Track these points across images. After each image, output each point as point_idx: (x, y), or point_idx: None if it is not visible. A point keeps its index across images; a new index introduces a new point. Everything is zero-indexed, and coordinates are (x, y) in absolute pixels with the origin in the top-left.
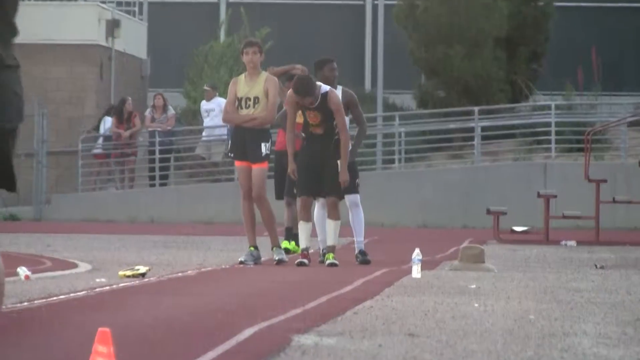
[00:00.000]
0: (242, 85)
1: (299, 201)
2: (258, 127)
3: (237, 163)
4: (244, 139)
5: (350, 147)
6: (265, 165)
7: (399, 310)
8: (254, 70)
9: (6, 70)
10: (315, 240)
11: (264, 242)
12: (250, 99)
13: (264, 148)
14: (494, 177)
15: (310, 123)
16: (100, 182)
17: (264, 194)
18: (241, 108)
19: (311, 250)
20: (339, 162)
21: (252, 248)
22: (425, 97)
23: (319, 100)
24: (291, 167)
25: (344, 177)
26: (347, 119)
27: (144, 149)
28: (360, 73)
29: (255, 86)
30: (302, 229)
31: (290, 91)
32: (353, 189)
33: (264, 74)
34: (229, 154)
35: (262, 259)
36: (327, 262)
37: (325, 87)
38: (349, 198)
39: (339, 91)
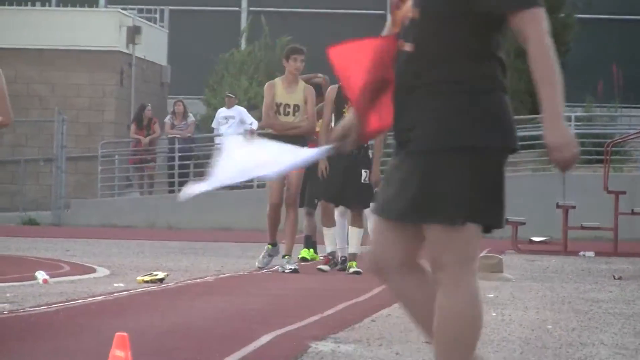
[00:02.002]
0: (280, 91)
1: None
2: (300, 134)
3: None
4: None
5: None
6: (302, 171)
7: None
8: (294, 77)
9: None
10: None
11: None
12: (290, 106)
13: None
14: (513, 187)
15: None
16: (119, 188)
17: (297, 199)
18: (279, 114)
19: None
20: (363, 171)
21: (270, 246)
22: None
23: None
24: (323, 163)
25: (376, 177)
26: None
27: (163, 156)
28: None
29: (295, 94)
30: (327, 234)
31: (330, 88)
32: (374, 198)
33: (302, 83)
34: None
35: (273, 262)
36: (351, 270)
37: None
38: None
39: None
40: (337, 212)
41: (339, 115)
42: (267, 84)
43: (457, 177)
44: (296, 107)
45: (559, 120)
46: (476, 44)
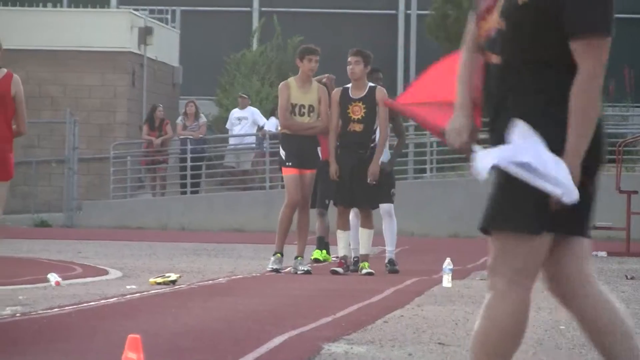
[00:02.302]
0: (295, 92)
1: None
2: (315, 134)
3: (290, 171)
4: (302, 146)
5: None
6: (315, 171)
7: (430, 320)
8: (308, 77)
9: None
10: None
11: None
12: (305, 107)
13: (319, 152)
14: None
15: (351, 118)
16: (131, 190)
17: (309, 200)
18: (294, 114)
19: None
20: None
21: (279, 255)
22: None
23: (366, 91)
24: (333, 167)
25: (374, 169)
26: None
27: (175, 157)
28: (392, 83)
29: (309, 94)
30: (340, 237)
31: (335, 91)
32: (388, 198)
33: (315, 82)
34: (287, 163)
35: (283, 265)
36: (364, 271)
37: (372, 83)
38: (383, 207)
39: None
40: (352, 213)
41: (344, 116)
42: (281, 84)
43: (526, 188)
44: (311, 108)
45: (576, 159)
46: (562, 56)
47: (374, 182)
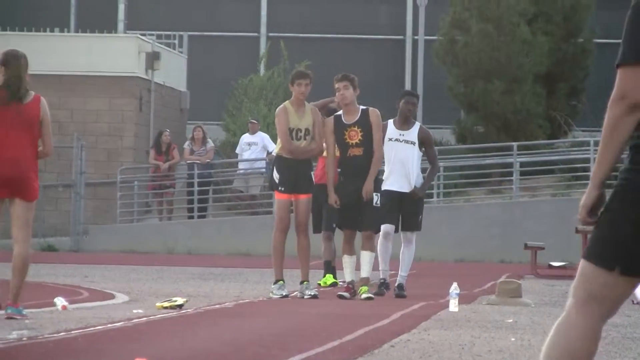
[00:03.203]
0: (292, 116)
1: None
2: (311, 157)
3: (282, 196)
4: (297, 171)
5: (422, 182)
6: (310, 196)
7: (436, 344)
8: (302, 101)
9: None
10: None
11: (288, 273)
12: (301, 130)
13: (313, 177)
14: (532, 212)
15: (349, 144)
16: (138, 214)
17: (308, 225)
18: (292, 139)
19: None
20: (374, 194)
21: (282, 281)
22: (464, 132)
23: (359, 115)
24: (332, 196)
25: (368, 187)
26: (419, 155)
27: (182, 181)
28: (397, 106)
29: (305, 118)
30: (346, 262)
31: (328, 120)
32: (416, 225)
33: (308, 105)
34: (279, 188)
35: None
36: (363, 295)
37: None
38: (407, 234)
39: (416, 128)
40: (381, 236)
41: (341, 142)
42: (278, 109)
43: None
44: (307, 131)
45: (590, 183)
46: None
47: (377, 204)
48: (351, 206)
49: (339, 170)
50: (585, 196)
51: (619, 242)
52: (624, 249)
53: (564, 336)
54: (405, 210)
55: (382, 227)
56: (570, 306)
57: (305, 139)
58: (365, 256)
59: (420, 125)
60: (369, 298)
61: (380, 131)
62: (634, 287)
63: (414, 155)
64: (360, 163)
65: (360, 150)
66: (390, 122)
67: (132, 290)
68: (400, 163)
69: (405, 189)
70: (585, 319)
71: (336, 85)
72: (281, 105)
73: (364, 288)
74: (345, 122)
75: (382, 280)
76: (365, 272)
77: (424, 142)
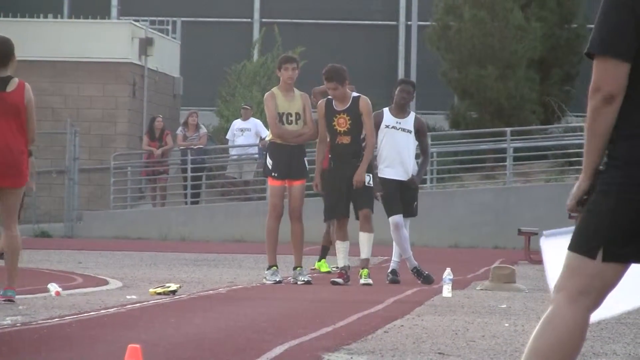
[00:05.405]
0: (281, 101)
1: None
2: (304, 142)
3: (275, 183)
4: (290, 157)
5: (418, 170)
6: (305, 181)
7: (430, 330)
8: (290, 86)
9: None
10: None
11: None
12: (291, 115)
13: (306, 163)
14: (525, 198)
15: (338, 131)
16: (132, 200)
17: (301, 212)
18: (282, 123)
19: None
20: (366, 175)
21: (275, 267)
22: (457, 118)
23: (350, 103)
24: (317, 180)
25: (359, 177)
26: (414, 144)
27: (175, 167)
28: (393, 94)
29: (294, 102)
30: (339, 248)
31: (320, 102)
32: (412, 212)
33: (297, 90)
34: (273, 174)
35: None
36: (362, 281)
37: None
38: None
39: (412, 116)
40: (392, 223)
41: (330, 129)
42: (266, 95)
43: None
44: (297, 115)
45: (582, 174)
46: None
47: (369, 184)
48: (342, 192)
49: (330, 156)
50: (576, 186)
51: (597, 230)
52: (602, 236)
53: (552, 329)
54: (403, 197)
55: (391, 219)
56: (557, 299)
57: (296, 123)
58: (364, 237)
59: (416, 115)
60: (367, 284)
61: (371, 119)
62: (620, 275)
63: (410, 143)
64: (347, 151)
65: (347, 138)
66: (386, 109)
67: (126, 276)
68: (397, 151)
69: (403, 177)
70: (574, 311)
71: (325, 85)
72: (269, 91)
73: (365, 271)
74: (335, 108)
75: (414, 268)
76: (364, 253)
77: (419, 132)
